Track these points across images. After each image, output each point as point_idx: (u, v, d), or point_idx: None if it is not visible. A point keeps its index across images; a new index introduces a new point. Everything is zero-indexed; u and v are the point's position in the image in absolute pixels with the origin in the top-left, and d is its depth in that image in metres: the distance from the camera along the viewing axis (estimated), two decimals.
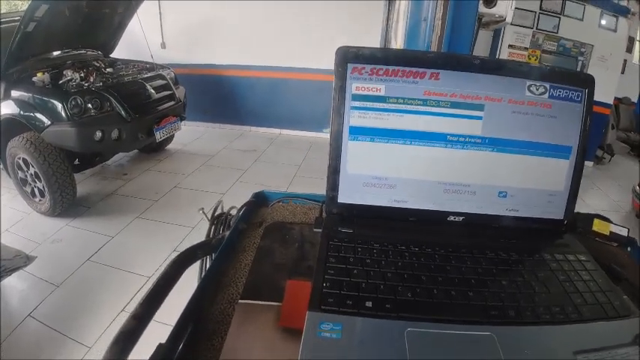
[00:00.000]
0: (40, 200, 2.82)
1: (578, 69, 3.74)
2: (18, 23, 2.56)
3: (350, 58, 0.57)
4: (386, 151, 0.59)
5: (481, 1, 1.04)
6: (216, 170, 3.75)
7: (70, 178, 2.77)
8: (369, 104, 0.58)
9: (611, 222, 0.68)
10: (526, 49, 3.63)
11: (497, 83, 0.58)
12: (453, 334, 0.42)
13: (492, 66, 0.58)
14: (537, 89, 0.58)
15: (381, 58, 0.57)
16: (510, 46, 3.60)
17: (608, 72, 3.82)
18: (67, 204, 2.81)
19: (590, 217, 0.67)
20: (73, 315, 1.93)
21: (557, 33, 3.65)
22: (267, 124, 4.84)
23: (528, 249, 0.57)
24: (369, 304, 0.45)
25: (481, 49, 3.56)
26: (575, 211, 0.67)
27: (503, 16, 1.11)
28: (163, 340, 0.44)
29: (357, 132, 0.59)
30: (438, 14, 0.88)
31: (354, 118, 0.58)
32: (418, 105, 0.58)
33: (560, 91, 0.58)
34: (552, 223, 0.62)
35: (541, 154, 0.60)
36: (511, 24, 3.38)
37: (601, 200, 3.48)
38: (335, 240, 0.55)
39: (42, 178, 2.66)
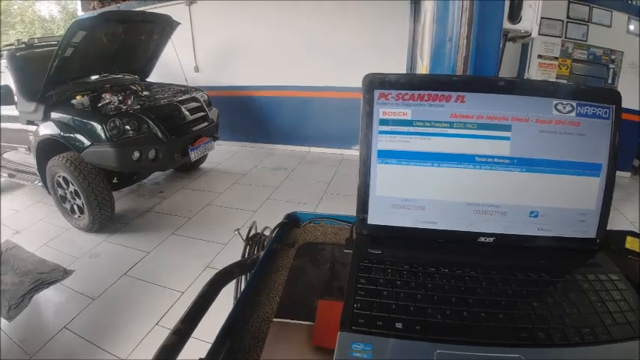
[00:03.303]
0: (79, 217, 2.97)
1: (610, 77, 3.61)
2: (56, 48, 2.72)
3: (376, 84, 0.60)
4: (414, 173, 0.61)
5: (505, 18, 1.03)
6: (247, 188, 3.83)
7: (108, 195, 2.90)
8: (396, 128, 0.60)
9: None
10: (556, 58, 3.54)
11: (523, 103, 0.58)
12: (482, 356, 0.43)
13: (518, 86, 0.59)
14: (564, 107, 0.58)
15: (406, 84, 0.59)
16: (540, 56, 3.52)
17: None
18: (105, 220, 2.94)
19: (622, 235, 0.65)
20: (108, 328, 2.00)
21: (586, 41, 3.55)
22: (297, 142, 4.94)
23: (560, 269, 0.57)
24: (399, 325, 0.46)
25: (509, 60, 3.51)
26: (609, 228, 0.65)
27: (529, 30, 1.10)
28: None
29: (386, 155, 0.60)
30: (462, 34, 0.89)
31: (382, 142, 0.60)
32: (445, 128, 0.59)
33: (587, 109, 0.58)
34: (585, 242, 0.61)
35: (571, 172, 0.59)
36: (539, 34, 3.33)
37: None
38: (365, 261, 0.57)
39: (81, 196, 2.80)
